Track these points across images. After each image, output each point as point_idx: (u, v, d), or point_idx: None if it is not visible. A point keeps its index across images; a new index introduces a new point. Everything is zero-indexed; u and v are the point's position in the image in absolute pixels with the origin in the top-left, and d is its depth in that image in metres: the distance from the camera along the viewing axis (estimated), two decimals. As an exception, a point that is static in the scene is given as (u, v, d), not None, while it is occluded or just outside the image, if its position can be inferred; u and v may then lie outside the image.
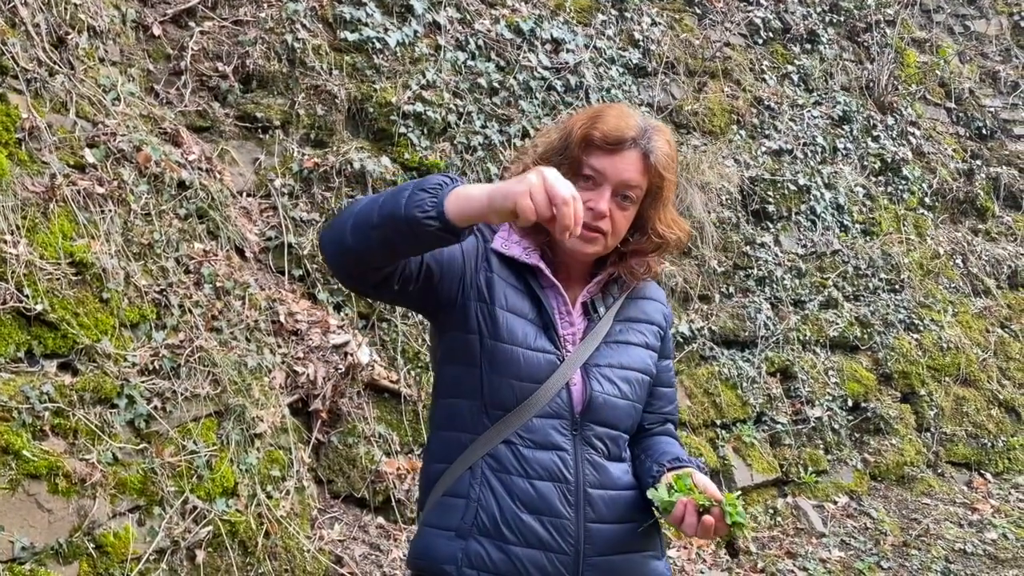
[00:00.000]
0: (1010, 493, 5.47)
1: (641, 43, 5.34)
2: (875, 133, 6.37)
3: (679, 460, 1.66)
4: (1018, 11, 7.83)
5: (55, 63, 3.07)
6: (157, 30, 3.78)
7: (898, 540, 4.60)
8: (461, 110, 4.38)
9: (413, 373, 3.76)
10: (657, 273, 1.80)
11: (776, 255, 5.37)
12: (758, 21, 6.07)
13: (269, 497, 3.06)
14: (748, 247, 5.26)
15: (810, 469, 4.89)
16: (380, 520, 3.52)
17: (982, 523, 4.93)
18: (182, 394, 2.86)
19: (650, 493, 1.57)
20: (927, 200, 6.54)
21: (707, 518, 1.49)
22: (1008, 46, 7.72)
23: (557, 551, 1.58)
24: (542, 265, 1.67)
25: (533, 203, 1.31)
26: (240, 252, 3.56)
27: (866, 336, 5.59)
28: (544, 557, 1.58)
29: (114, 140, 3.09)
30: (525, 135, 4.50)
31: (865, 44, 6.73)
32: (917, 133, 6.70)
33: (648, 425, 1.81)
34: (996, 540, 4.73)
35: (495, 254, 1.68)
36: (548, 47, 4.88)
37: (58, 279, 2.67)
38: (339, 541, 3.33)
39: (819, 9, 6.52)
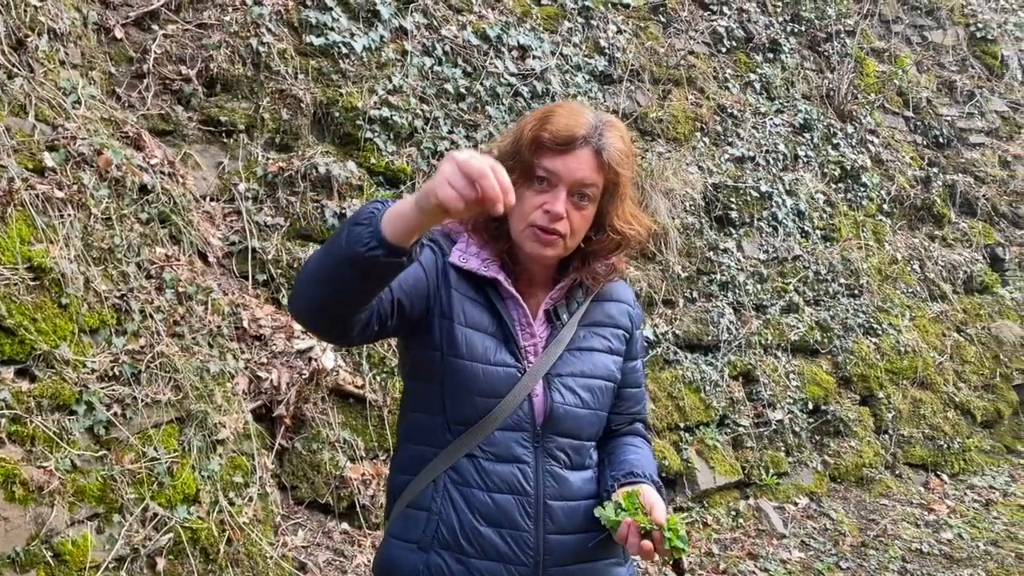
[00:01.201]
0: (965, 494, 5.60)
1: (607, 51, 5.39)
2: (835, 141, 6.50)
3: (633, 474, 1.65)
4: (974, 22, 8.02)
5: (14, 66, 3.03)
6: (119, 33, 3.74)
7: (856, 540, 4.69)
8: (428, 115, 4.39)
9: (379, 378, 3.76)
10: (623, 273, 1.78)
11: (739, 260, 5.45)
12: (721, 30, 6.16)
13: (231, 504, 3.04)
14: (711, 252, 5.33)
15: (771, 471, 4.96)
16: (344, 526, 3.51)
17: (938, 523, 5.04)
18: (143, 400, 2.84)
19: (597, 511, 1.59)
20: (885, 207, 6.68)
21: (645, 542, 1.51)
22: (964, 56, 7.91)
23: (516, 563, 1.60)
24: (500, 277, 1.65)
25: (454, 190, 1.26)
26: (203, 257, 3.54)
27: (826, 340, 5.69)
28: (504, 569, 1.59)
29: (74, 144, 3.06)
30: (492, 140, 4.52)
31: (825, 53, 6.86)
32: (876, 141, 6.84)
33: (615, 426, 1.80)
34: (952, 540, 4.83)
35: (453, 268, 1.66)
36: (515, 54, 4.91)
37: (15, 284, 2.64)
38: (303, 547, 3.32)
39: (781, 19, 6.63)
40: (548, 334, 1.69)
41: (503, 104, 4.70)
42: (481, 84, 4.65)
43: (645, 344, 4.49)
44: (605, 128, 1.61)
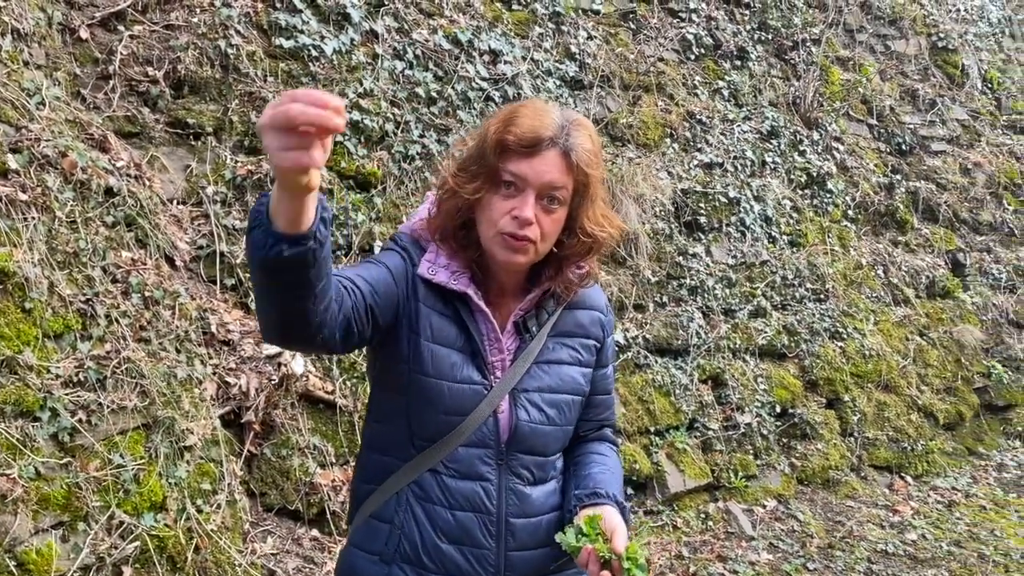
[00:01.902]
0: (929, 495, 5.69)
1: (577, 56, 5.42)
2: (801, 148, 6.58)
3: (596, 495, 1.63)
4: (935, 32, 8.19)
5: (-25, 65, 2.98)
6: (84, 33, 3.68)
7: (823, 542, 4.75)
8: (399, 119, 4.38)
9: (349, 383, 3.74)
10: (596, 278, 1.73)
11: (707, 265, 5.50)
12: (690, 37, 6.22)
13: (199, 511, 3.00)
14: (681, 257, 5.37)
15: (740, 474, 5.01)
16: (314, 532, 3.48)
17: (903, 524, 5.12)
18: (108, 406, 2.79)
19: (558, 537, 1.57)
20: (850, 213, 6.78)
21: (604, 573, 1.49)
22: (926, 65, 8.07)
23: None
24: (470, 292, 1.60)
25: (290, 151, 1.12)
26: (170, 261, 3.49)
27: (793, 344, 5.76)
28: None
29: (38, 145, 3.00)
30: (460, 142, 4.51)
31: (792, 62, 6.96)
32: (841, 148, 6.95)
33: (584, 432, 1.78)
34: (916, 541, 4.91)
35: (421, 280, 1.62)
36: (486, 58, 4.91)
37: (-23, 288, 2.58)
38: (272, 555, 3.28)
39: (748, 27, 6.71)
40: (516, 347, 1.65)
41: (475, 108, 4.70)
42: (452, 88, 4.65)
43: (615, 349, 4.51)
44: (572, 128, 1.55)
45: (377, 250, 4.05)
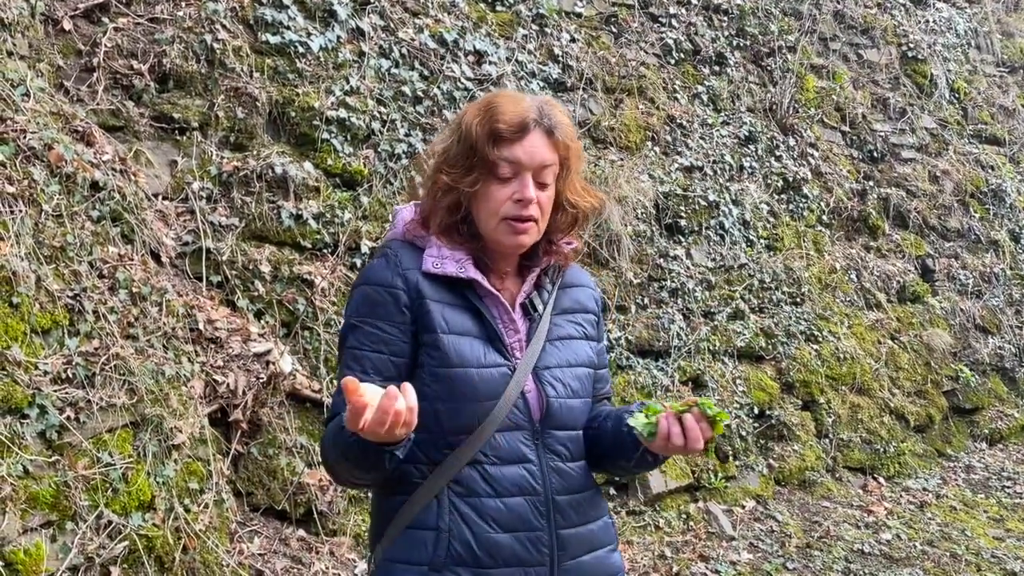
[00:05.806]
0: (901, 496, 5.79)
1: (561, 58, 5.44)
2: (778, 153, 6.67)
3: (641, 404, 1.65)
4: (905, 43, 8.35)
5: (-41, 54, 2.91)
6: (68, 24, 3.62)
7: (801, 542, 4.81)
8: (385, 117, 4.36)
9: (336, 383, 3.70)
10: (580, 250, 1.80)
11: (688, 268, 5.54)
12: (670, 42, 6.27)
13: (187, 510, 2.96)
14: (662, 260, 5.41)
15: (720, 475, 5.05)
16: (301, 532, 3.44)
17: (877, 524, 5.20)
18: (97, 404, 2.74)
19: (630, 421, 1.57)
20: (824, 218, 6.88)
21: (687, 417, 1.50)
22: (897, 75, 8.22)
23: (534, 564, 1.58)
24: (479, 277, 1.64)
25: (391, 429, 1.35)
26: (156, 257, 3.44)
27: (770, 346, 5.82)
28: (523, 573, 1.58)
29: (24, 137, 2.94)
30: (430, 144, 4.50)
31: (768, 68, 7.05)
32: (815, 154, 7.05)
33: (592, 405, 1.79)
34: (891, 540, 4.99)
35: (426, 277, 1.63)
36: (471, 58, 4.91)
37: (-37, 282, 2.52)
38: (259, 555, 3.24)
39: (726, 33, 6.79)
40: (527, 327, 1.68)
41: (460, 108, 4.68)
42: (438, 88, 4.64)
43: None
44: (548, 108, 1.65)
45: (364, 249, 4.03)
